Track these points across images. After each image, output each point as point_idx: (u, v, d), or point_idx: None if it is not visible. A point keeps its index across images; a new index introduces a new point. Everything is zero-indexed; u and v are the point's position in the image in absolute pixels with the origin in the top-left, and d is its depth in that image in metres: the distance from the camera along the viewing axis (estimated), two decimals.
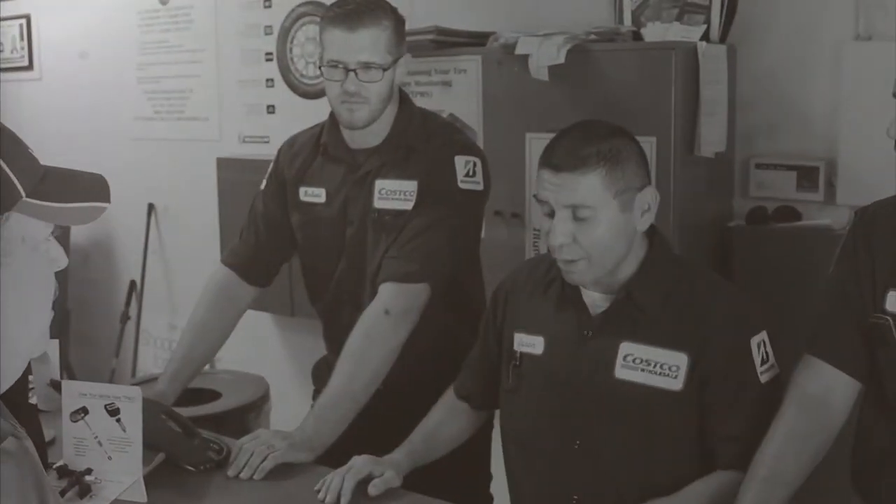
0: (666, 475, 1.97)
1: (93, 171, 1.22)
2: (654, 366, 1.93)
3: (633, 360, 1.95)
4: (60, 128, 5.21)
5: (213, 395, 3.81)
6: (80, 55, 5.20)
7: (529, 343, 2.09)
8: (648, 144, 3.00)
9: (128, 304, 5.19)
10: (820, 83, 3.10)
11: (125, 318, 5.19)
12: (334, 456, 2.21)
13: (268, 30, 4.43)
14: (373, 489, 2.03)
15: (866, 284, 1.86)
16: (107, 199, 1.20)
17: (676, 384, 1.92)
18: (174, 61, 4.83)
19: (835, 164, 3.08)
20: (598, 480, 1.99)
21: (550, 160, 1.92)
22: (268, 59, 4.45)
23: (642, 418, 1.95)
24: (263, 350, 4.52)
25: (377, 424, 2.26)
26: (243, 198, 4.14)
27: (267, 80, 4.47)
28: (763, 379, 1.95)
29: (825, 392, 1.88)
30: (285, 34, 4.35)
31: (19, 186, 1.10)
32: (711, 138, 3.07)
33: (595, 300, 2.02)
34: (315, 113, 3.96)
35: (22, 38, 5.55)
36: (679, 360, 1.92)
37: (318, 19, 4.12)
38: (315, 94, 4.28)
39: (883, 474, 1.89)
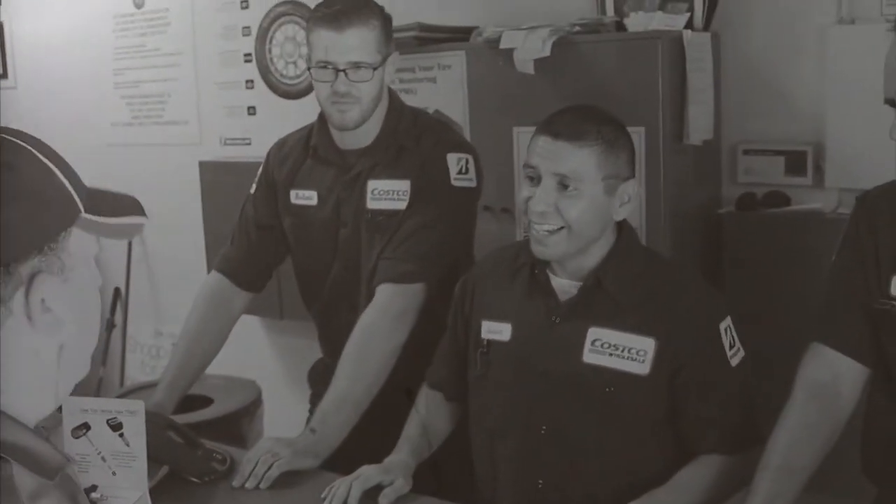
0: (630, 461, 2.00)
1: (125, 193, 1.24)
2: (622, 350, 1.96)
3: (602, 345, 1.98)
4: (37, 136, 5.15)
5: (205, 402, 3.78)
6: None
7: (497, 330, 2.11)
8: (637, 134, 2.99)
9: (113, 311, 5.15)
10: (805, 68, 3.11)
11: (111, 326, 5.14)
12: (339, 460, 2.19)
13: (246, 31, 4.40)
14: (384, 500, 2.02)
15: (871, 270, 1.86)
16: (143, 213, 1.21)
17: (643, 368, 1.95)
18: (151, 65, 4.78)
19: (822, 147, 3.09)
20: (562, 466, 2.02)
21: (550, 127, 1.96)
22: (247, 61, 4.42)
23: (609, 402, 1.98)
24: (253, 354, 4.48)
25: (380, 426, 2.23)
26: (227, 200, 4.13)
27: (247, 82, 4.44)
28: (733, 363, 1.99)
29: (834, 379, 1.89)
30: (264, 35, 4.32)
31: (79, 202, 1.12)
32: (699, 126, 3.07)
33: (564, 287, 2.05)
34: (297, 113, 3.95)
35: None
36: (646, 345, 1.95)
37: (296, 19, 4.16)
38: (296, 94, 4.26)
39: (893, 459, 1.89)
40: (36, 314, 1.07)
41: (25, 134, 1.13)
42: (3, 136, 1.11)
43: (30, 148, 1.10)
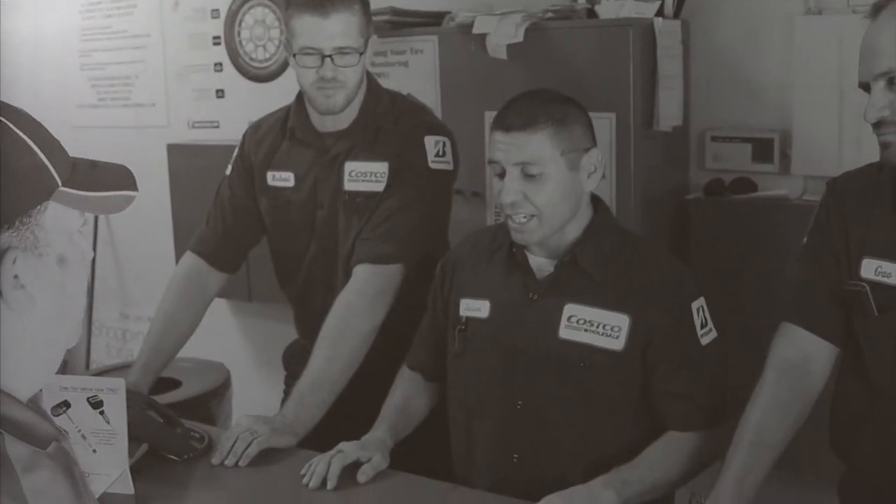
0: (604, 436, 2.04)
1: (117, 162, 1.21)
2: (597, 326, 2.01)
3: (577, 321, 2.02)
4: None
5: (174, 384, 3.78)
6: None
7: (475, 307, 2.15)
8: (608, 120, 3.03)
9: None
10: (772, 57, 3.15)
11: None
12: (317, 439, 2.21)
13: (215, 13, 4.38)
14: (362, 476, 2.04)
15: (841, 252, 1.91)
16: (135, 187, 1.19)
17: (618, 344, 2.00)
18: (118, 47, 4.75)
19: (789, 135, 3.13)
20: (538, 440, 2.06)
21: (502, 122, 2.02)
22: (215, 43, 4.40)
23: (584, 377, 2.02)
24: (221, 336, 4.48)
25: (357, 406, 2.25)
26: (195, 183, 4.14)
27: (215, 65, 4.43)
28: (704, 342, 2.03)
29: (804, 358, 1.94)
30: (233, 17, 4.31)
31: (56, 175, 1.10)
32: (669, 112, 3.11)
33: (541, 265, 2.09)
34: (266, 96, 3.96)
35: None
36: (620, 321, 2.00)
37: (266, 2, 4.16)
38: (265, 77, 4.26)
39: (860, 436, 1.94)
40: (7, 290, 1.06)
41: (3, 105, 1.10)
42: None
43: (2, 119, 1.07)
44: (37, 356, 1.13)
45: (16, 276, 1.06)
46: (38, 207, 1.08)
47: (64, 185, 1.11)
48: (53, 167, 1.10)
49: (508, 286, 2.12)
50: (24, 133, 1.09)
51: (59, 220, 1.12)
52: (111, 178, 1.18)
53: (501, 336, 2.10)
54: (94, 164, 1.18)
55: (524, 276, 2.10)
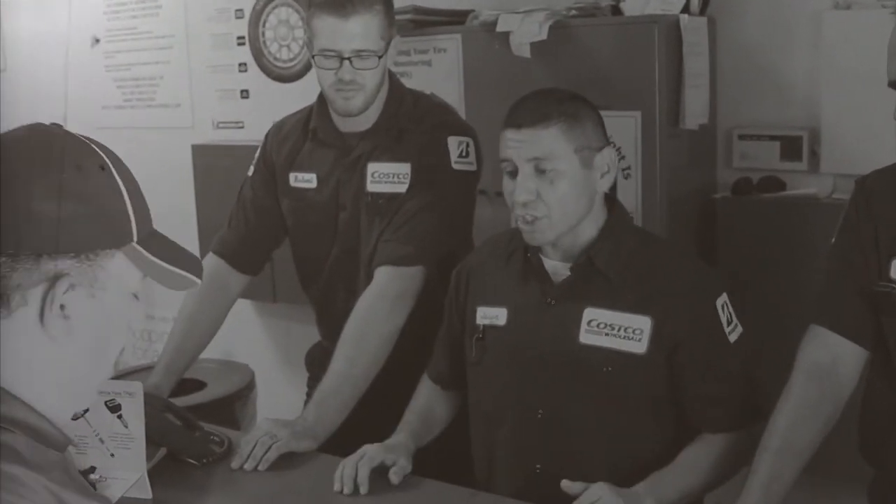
0: (628, 441, 2.01)
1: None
2: (619, 330, 1.97)
3: (598, 325, 1.99)
4: (27, 119, 5.09)
5: (199, 385, 3.78)
6: (92, 42, 5.02)
7: (493, 315, 2.12)
8: (633, 118, 3.00)
9: None
10: (800, 53, 3.10)
11: None
12: (338, 442, 2.20)
13: (238, 13, 4.37)
14: (394, 477, 2.02)
15: (870, 253, 1.87)
16: (200, 276, 1.24)
17: (640, 347, 1.96)
18: (143, 48, 4.75)
19: (818, 133, 3.08)
20: (560, 449, 2.03)
21: (513, 119, 2.00)
22: (240, 44, 4.39)
23: (607, 383, 1.98)
24: (246, 337, 4.48)
25: (379, 408, 2.24)
26: (219, 184, 4.13)
27: (240, 65, 4.41)
28: (731, 339, 1.99)
29: (833, 361, 1.90)
30: (257, 17, 4.30)
31: (135, 229, 1.15)
32: (695, 110, 3.07)
33: (556, 269, 2.05)
34: (290, 96, 3.94)
35: None
36: (643, 324, 1.96)
37: (290, 1, 4.14)
38: (289, 77, 4.25)
39: (890, 441, 1.90)
40: (49, 315, 1.08)
41: (109, 150, 1.16)
42: (88, 140, 1.15)
43: (107, 160, 1.13)
44: (61, 386, 1.14)
45: (62, 306, 1.09)
46: (107, 251, 1.12)
47: (138, 243, 1.15)
48: (135, 222, 1.15)
49: (525, 292, 2.09)
50: (121, 180, 1.15)
51: (121, 273, 1.15)
52: (182, 257, 1.23)
53: (520, 343, 2.07)
54: (170, 241, 1.23)
55: (540, 282, 2.07)
